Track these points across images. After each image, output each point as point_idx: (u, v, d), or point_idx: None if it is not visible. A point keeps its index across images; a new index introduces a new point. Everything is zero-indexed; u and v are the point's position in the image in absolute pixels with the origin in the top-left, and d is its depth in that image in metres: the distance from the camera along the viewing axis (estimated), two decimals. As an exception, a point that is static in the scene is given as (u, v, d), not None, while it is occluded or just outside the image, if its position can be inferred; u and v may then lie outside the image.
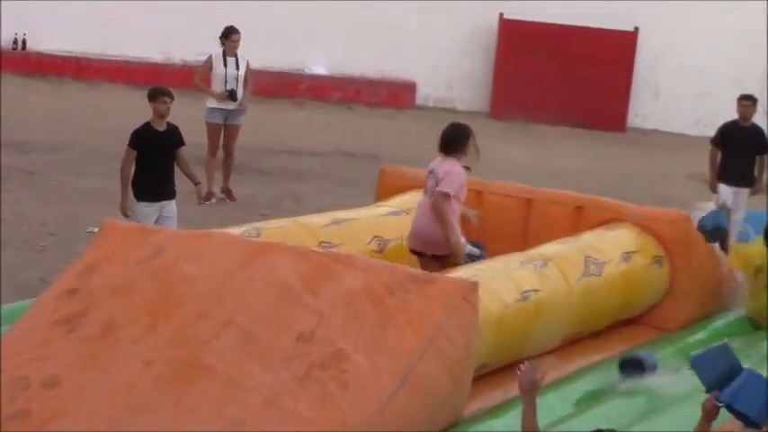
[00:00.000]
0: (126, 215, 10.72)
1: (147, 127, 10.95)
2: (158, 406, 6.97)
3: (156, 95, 10.84)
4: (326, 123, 18.28)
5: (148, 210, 10.98)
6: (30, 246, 11.94)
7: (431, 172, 9.25)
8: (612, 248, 9.81)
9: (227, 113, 14.31)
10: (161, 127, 10.92)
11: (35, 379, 7.17)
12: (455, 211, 9.38)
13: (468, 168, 9.75)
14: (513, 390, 7.84)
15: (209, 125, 14.24)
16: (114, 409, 6.99)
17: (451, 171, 9.24)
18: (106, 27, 19.84)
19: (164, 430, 6.86)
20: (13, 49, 20.29)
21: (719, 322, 10.67)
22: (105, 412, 6.99)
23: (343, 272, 7.82)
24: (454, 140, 9.36)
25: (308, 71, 20.07)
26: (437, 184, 9.12)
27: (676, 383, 8.55)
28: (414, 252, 9.40)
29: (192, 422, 6.88)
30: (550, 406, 7.83)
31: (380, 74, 20.39)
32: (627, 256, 9.91)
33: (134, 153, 10.98)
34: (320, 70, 20.22)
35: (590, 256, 9.52)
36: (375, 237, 9.69)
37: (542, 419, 7.27)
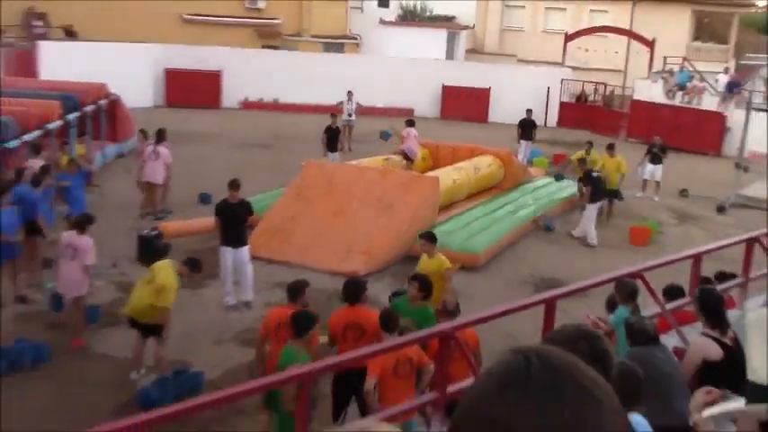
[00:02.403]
0: (327, 157, 18.09)
1: (330, 125, 18.81)
2: (331, 229, 13.18)
3: (333, 115, 19.99)
4: (383, 125, 23.88)
5: (334, 155, 18.34)
6: (278, 173, 17.69)
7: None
8: (484, 163, 16.53)
9: (349, 120, 23.23)
10: (334, 125, 18.99)
11: (288, 218, 13.58)
12: None
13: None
14: (450, 214, 14.31)
15: (344, 125, 22.23)
16: (315, 230, 13.22)
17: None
18: (303, 89, 30.47)
19: (333, 246, 12.54)
20: (274, 101, 31.18)
21: (529, 185, 17.30)
22: (314, 232, 13.14)
23: (390, 175, 14.44)
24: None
25: (374, 105, 29.24)
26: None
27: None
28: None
29: (343, 235, 12.84)
30: (448, 229, 13.70)
31: (401, 105, 31.12)
32: (490, 164, 16.69)
33: (325, 136, 18.67)
34: (380, 105, 30.34)
35: (476, 167, 16.27)
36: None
37: (457, 230, 13.82)
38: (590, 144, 17.66)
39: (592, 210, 15.38)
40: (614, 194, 16.73)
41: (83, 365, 9.56)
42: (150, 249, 13.02)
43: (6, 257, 11.04)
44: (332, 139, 18.91)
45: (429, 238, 9.68)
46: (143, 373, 9.33)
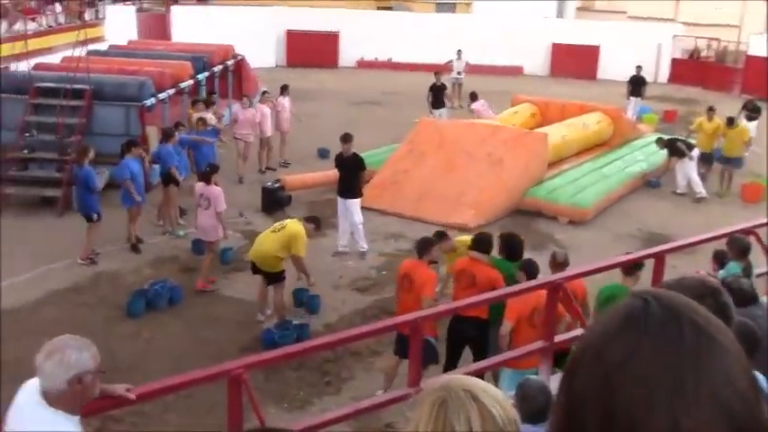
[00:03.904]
0: (432, 114, 18.10)
1: (434, 83, 18.78)
2: (442, 183, 13.19)
3: (437, 74, 19.46)
4: (492, 84, 24.83)
5: (441, 111, 18.41)
6: (391, 129, 17.60)
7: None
8: (592, 120, 16.19)
9: (458, 78, 23.27)
10: (439, 83, 18.96)
11: (401, 172, 13.76)
12: None
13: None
14: (559, 170, 14.08)
15: (453, 83, 22.40)
16: (427, 184, 13.26)
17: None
18: (416, 48, 29.61)
19: (444, 199, 12.55)
20: (388, 60, 30.87)
21: (638, 142, 16.73)
22: (425, 185, 13.21)
23: (500, 131, 14.39)
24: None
25: (483, 63, 28.20)
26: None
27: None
28: None
29: (453, 188, 12.92)
30: (556, 184, 13.55)
31: (510, 63, 30.13)
32: (599, 121, 16.32)
33: (431, 94, 18.67)
34: (489, 63, 29.19)
35: (585, 123, 16.00)
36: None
37: (565, 186, 13.58)
38: (712, 109, 16.45)
39: (688, 163, 15.03)
40: (731, 162, 15.74)
41: (212, 307, 9.90)
42: (273, 200, 13.71)
43: (131, 204, 11.52)
44: (437, 96, 18.89)
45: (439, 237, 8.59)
46: (268, 314, 9.61)
